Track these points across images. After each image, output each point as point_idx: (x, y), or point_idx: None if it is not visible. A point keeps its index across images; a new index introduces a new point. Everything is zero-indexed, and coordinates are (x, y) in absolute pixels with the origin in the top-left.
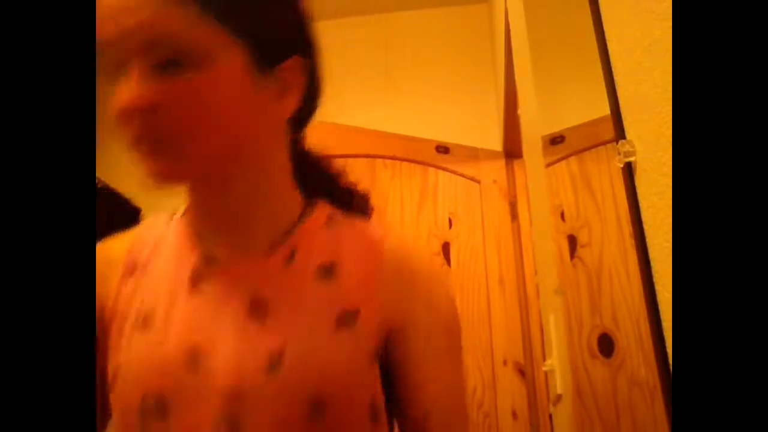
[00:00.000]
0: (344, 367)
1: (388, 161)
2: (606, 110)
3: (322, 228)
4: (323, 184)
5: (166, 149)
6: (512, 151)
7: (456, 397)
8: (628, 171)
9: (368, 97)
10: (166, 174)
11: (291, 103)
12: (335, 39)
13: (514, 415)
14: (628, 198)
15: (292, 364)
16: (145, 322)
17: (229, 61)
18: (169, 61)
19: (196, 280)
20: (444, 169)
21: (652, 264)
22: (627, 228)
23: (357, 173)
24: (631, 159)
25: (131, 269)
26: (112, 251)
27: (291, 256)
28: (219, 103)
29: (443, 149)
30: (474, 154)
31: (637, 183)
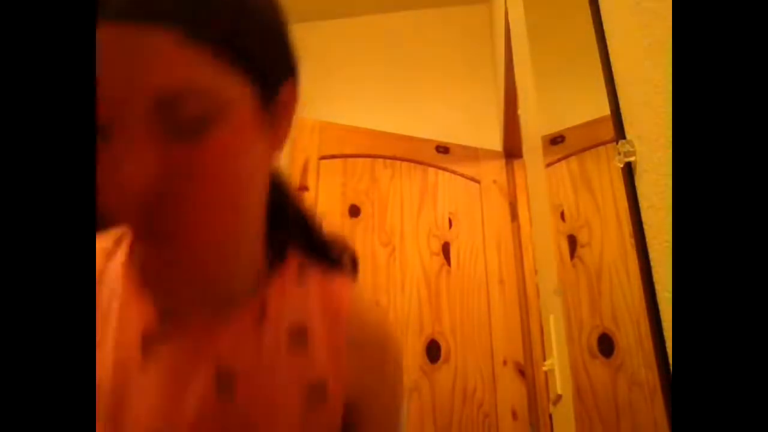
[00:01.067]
0: None
1: (388, 161)
2: (606, 110)
3: (294, 283)
4: (296, 222)
5: (183, 232)
6: (512, 151)
7: None
8: (628, 171)
9: (368, 97)
10: (181, 261)
11: (285, 131)
12: (335, 39)
13: (514, 415)
14: (628, 198)
15: None
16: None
17: (241, 104)
18: (177, 120)
19: (149, 341)
20: (444, 169)
21: (652, 264)
22: (627, 228)
23: (357, 173)
24: (631, 159)
25: None
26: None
27: (261, 316)
28: (238, 161)
29: (443, 149)
30: (474, 154)
31: (637, 183)
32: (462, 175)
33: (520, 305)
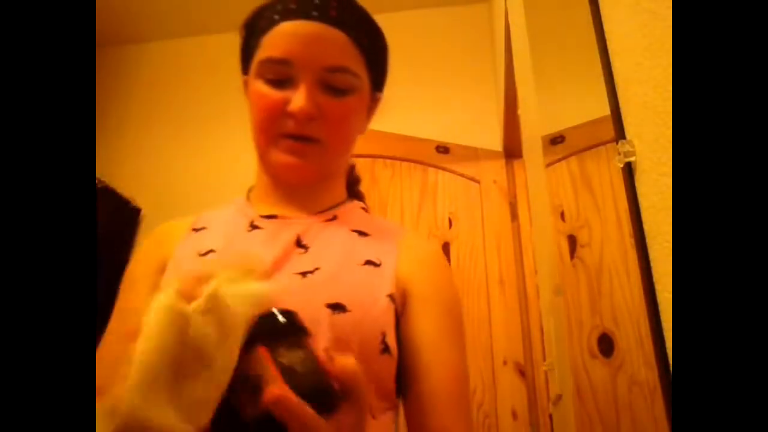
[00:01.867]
0: (363, 289)
1: (388, 161)
2: (606, 110)
3: (359, 210)
4: (355, 188)
5: (311, 151)
6: (512, 151)
7: (455, 376)
8: (628, 171)
9: None
10: (303, 169)
11: (367, 123)
12: None
13: (514, 415)
14: (628, 198)
15: (321, 276)
16: (206, 254)
17: (365, 90)
18: (335, 82)
19: (253, 227)
20: (444, 169)
21: (652, 264)
22: (627, 228)
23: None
24: (631, 159)
25: (196, 230)
26: (175, 227)
27: (332, 219)
28: (357, 118)
29: (443, 149)
30: (474, 154)
31: (637, 183)
32: (462, 175)
33: (520, 305)
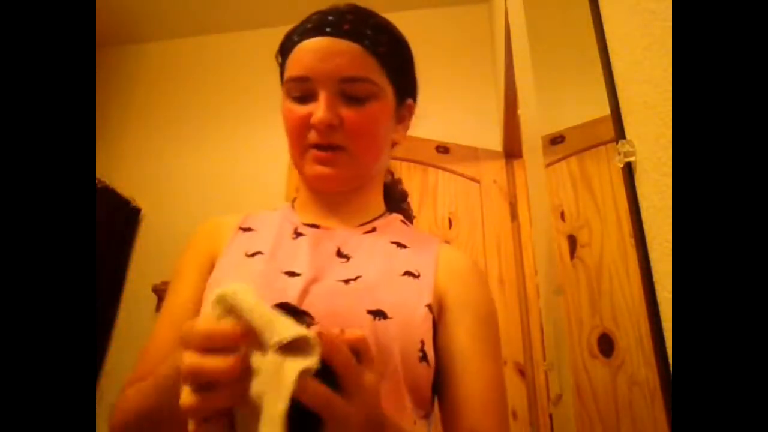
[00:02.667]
0: (403, 297)
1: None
2: (606, 110)
3: (399, 223)
4: (397, 201)
5: (338, 159)
6: (512, 151)
7: (490, 383)
8: (628, 171)
9: None
10: (333, 178)
11: (404, 131)
12: None
13: (514, 415)
14: (628, 198)
15: (363, 283)
16: (253, 255)
17: (387, 97)
18: (353, 91)
19: (297, 233)
20: (444, 169)
21: (652, 264)
22: (627, 228)
23: None
24: (631, 159)
25: (243, 230)
26: (223, 223)
27: (371, 231)
28: (381, 125)
29: (443, 149)
30: (474, 154)
31: (637, 183)
32: (462, 175)
33: (520, 305)
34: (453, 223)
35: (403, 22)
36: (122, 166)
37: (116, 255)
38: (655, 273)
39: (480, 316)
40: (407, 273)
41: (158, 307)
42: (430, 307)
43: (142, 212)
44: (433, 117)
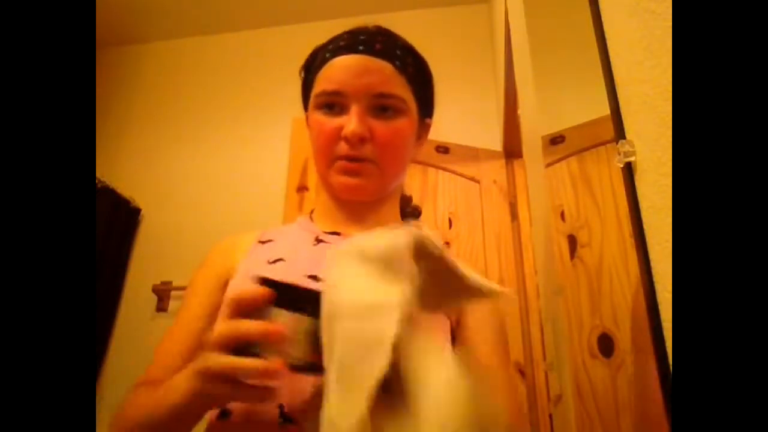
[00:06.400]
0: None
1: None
2: (606, 110)
3: None
4: (410, 216)
5: (365, 170)
6: (512, 151)
7: (501, 383)
8: (628, 171)
9: None
10: (361, 188)
11: (419, 147)
12: None
13: None
14: (628, 198)
15: None
16: (275, 262)
17: (412, 113)
18: (383, 107)
19: (318, 240)
20: (444, 169)
21: (652, 264)
22: (627, 228)
23: None
24: (631, 159)
25: (262, 242)
26: (241, 240)
27: None
28: (407, 140)
29: (443, 149)
30: (474, 154)
31: (637, 183)
32: (462, 175)
33: (520, 305)
34: (453, 223)
35: (404, 22)
36: (122, 166)
37: (116, 255)
38: (655, 273)
39: (496, 329)
40: None
41: (158, 307)
42: (447, 317)
43: (142, 212)
44: (434, 117)
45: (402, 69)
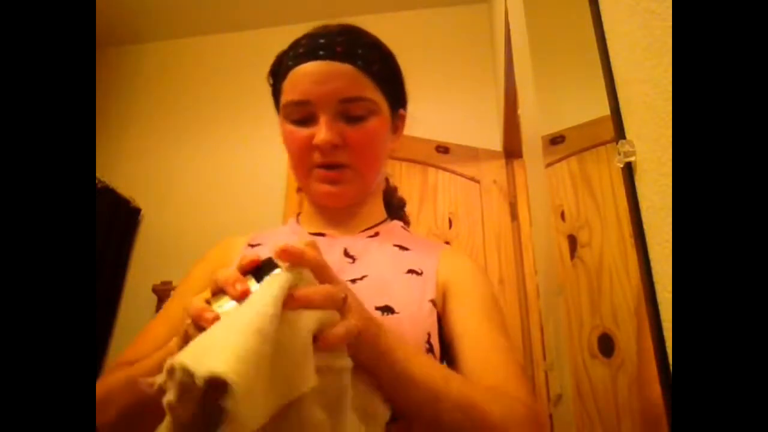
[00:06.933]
0: (408, 294)
1: (387, 161)
2: (606, 110)
3: (400, 229)
4: (396, 208)
5: (343, 176)
6: (512, 151)
7: (503, 352)
8: (628, 171)
9: None
10: (341, 195)
11: (396, 140)
12: None
13: None
14: (628, 198)
15: (370, 282)
16: None
17: (383, 111)
18: (352, 111)
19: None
20: (444, 169)
21: (652, 264)
22: (627, 228)
23: None
24: (631, 159)
25: (252, 245)
26: (235, 242)
27: (374, 236)
28: (381, 139)
29: (443, 149)
30: (474, 154)
31: (637, 183)
32: (462, 175)
33: (520, 305)
34: (453, 223)
35: (404, 22)
36: (122, 166)
37: (116, 255)
38: (655, 273)
39: (484, 299)
40: (411, 271)
41: (158, 307)
42: (433, 302)
43: (142, 212)
44: (433, 117)
45: (366, 68)
